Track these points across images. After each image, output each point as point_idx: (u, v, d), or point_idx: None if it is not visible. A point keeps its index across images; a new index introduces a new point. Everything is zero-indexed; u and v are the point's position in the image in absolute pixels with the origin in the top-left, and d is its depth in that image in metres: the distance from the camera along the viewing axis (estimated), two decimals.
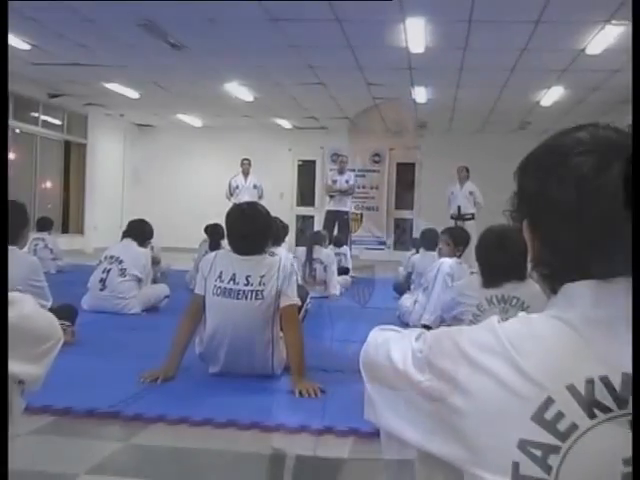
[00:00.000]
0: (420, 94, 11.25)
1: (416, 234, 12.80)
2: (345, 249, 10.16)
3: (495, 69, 9.48)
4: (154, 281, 6.68)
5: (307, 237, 8.31)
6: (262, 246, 3.62)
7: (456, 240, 5.46)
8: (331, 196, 11.55)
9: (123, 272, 5.83)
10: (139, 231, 6.18)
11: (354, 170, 15.16)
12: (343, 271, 9.13)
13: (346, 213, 11.46)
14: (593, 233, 0.89)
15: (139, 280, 5.91)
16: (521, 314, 0.95)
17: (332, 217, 11.42)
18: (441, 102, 11.88)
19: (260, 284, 3.49)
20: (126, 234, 6.23)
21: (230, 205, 4.15)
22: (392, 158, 15.49)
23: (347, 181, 11.55)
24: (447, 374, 0.91)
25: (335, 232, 10.93)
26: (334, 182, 11.52)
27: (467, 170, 11.64)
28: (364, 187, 15.42)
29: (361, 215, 15.44)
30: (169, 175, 15.95)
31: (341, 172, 11.68)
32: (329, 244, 9.36)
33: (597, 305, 0.89)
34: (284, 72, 10.13)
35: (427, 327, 4.99)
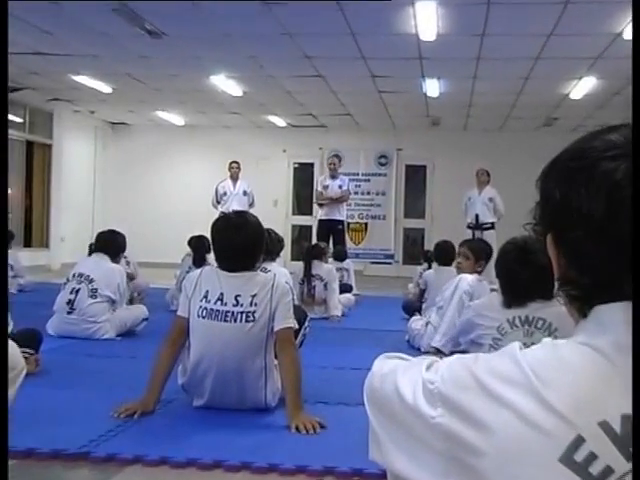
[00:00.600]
0: (432, 87, 11.31)
1: (428, 246, 12.86)
2: (348, 264, 10.20)
3: (517, 58, 9.52)
4: (130, 301, 6.70)
5: (305, 250, 8.33)
6: (253, 261, 3.64)
7: (477, 254, 5.47)
8: (321, 204, 11.62)
9: (94, 292, 5.81)
10: (110, 244, 6.15)
11: (357, 174, 15.33)
12: (345, 289, 9.14)
13: (340, 222, 11.53)
14: (627, 248, 0.88)
15: (112, 301, 5.91)
16: (546, 340, 0.96)
17: (325, 227, 11.49)
18: (456, 96, 11.94)
19: (251, 305, 3.49)
20: (96, 248, 6.20)
21: (217, 214, 4.17)
22: (400, 160, 15.55)
23: (340, 186, 11.60)
24: (462, 408, 0.91)
25: (331, 244, 10.97)
26: (325, 188, 11.58)
27: (487, 173, 11.68)
28: (369, 193, 15.49)
29: (365, 225, 15.52)
30: (147, 181, 15.99)
31: (333, 176, 11.75)
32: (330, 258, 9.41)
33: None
34: (277, 63, 10.18)
35: (439, 351, 5.01)
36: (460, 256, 5.57)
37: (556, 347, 0.92)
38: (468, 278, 5.22)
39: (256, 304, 3.49)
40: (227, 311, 3.49)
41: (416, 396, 0.96)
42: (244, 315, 3.49)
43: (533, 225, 1.03)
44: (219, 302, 3.50)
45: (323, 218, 11.61)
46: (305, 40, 8.97)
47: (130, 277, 6.84)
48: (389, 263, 15.43)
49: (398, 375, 1.02)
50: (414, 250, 15.37)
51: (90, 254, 6.24)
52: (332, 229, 11.39)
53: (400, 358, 1.12)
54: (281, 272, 6.07)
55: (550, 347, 0.93)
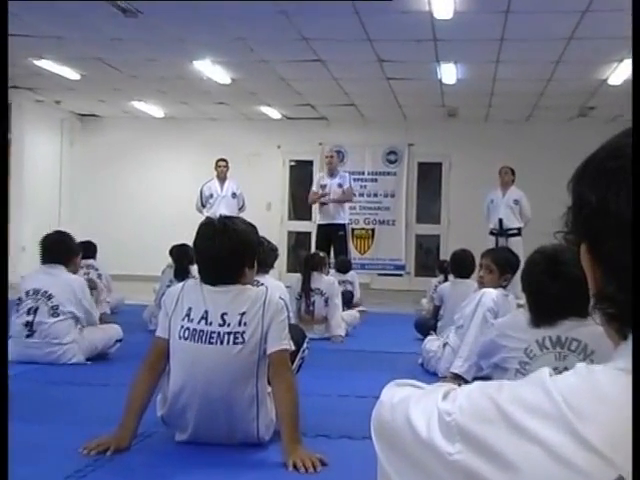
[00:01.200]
0: (448, 73, 11.34)
1: (445, 255, 12.85)
2: (352, 276, 10.22)
3: (547, 38, 9.53)
4: (102, 319, 6.68)
5: (303, 261, 8.34)
6: (240, 273, 3.64)
7: (501, 265, 5.48)
8: (322, 204, 11.64)
9: (55, 310, 5.74)
10: (61, 249, 5.94)
11: (363, 173, 15.35)
12: (349, 305, 9.14)
13: (342, 227, 11.55)
14: None
15: (77, 318, 5.85)
16: (581, 365, 0.95)
17: (324, 234, 11.52)
18: (476, 83, 11.97)
19: (240, 324, 3.49)
20: (44, 257, 5.94)
21: (202, 220, 4.17)
22: (412, 156, 15.60)
23: (340, 185, 11.63)
24: (484, 444, 0.91)
25: (331, 253, 10.98)
26: (323, 187, 11.61)
27: (512, 172, 11.70)
28: (376, 195, 15.53)
29: (372, 231, 15.55)
30: (121, 181, 16.00)
31: (332, 174, 11.78)
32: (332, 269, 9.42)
33: None
34: (271, 46, 10.20)
35: (459, 377, 5.01)
36: (482, 268, 5.57)
37: (592, 374, 0.92)
38: (492, 293, 5.23)
39: (246, 323, 3.50)
40: (212, 332, 3.49)
41: (431, 429, 0.96)
42: (232, 336, 3.49)
43: (565, 233, 1.03)
44: (203, 321, 3.50)
45: (322, 223, 11.64)
46: (302, 20, 8.98)
47: (91, 286, 6.65)
48: (399, 275, 15.46)
49: (410, 405, 1.02)
50: (428, 260, 15.39)
51: (43, 264, 5.93)
52: (332, 235, 11.41)
53: (413, 386, 1.12)
54: (275, 286, 6.08)
55: (585, 373, 0.92)
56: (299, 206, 16.01)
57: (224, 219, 3.77)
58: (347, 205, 11.83)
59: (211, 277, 3.61)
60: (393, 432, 1.02)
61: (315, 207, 12.69)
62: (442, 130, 15.14)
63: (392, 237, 15.47)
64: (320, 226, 11.69)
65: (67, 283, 5.85)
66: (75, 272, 6.12)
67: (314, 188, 11.77)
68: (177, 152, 15.94)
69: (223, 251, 3.57)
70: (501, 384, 0.96)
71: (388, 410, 1.05)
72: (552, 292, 3.10)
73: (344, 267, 10.21)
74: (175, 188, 15.42)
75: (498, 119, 14.81)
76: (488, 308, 5.14)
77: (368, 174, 15.53)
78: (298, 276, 8.17)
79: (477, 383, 1.01)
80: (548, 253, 3.15)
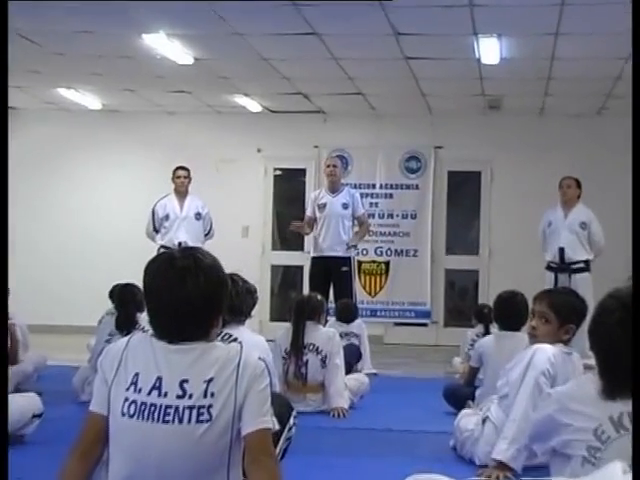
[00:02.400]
0: (489, 50, 11.39)
1: (485, 299, 12.80)
2: (359, 326, 10.25)
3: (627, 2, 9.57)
4: (16, 388, 6.66)
5: (292, 306, 8.33)
6: (209, 326, 3.63)
7: (563, 313, 5.48)
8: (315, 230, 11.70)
9: None
10: None
11: (373, 186, 15.37)
12: (354, 365, 9.11)
13: (346, 261, 11.61)
14: None
15: None
16: None
17: (322, 269, 11.57)
18: (527, 63, 12.03)
19: (206, 395, 3.46)
20: None
21: (155, 250, 4.18)
22: (440, 163, 15.67)
23: (346, 206, 11.71)
24: None
25: (330, 296, 10.99)
26: (321, 208, 11.65)
27: (578, 184, 11.71)
28: (391, 215, 15.58)
29: (386, 265, 15.57)
30: (44, 194, 15.97)
31: (334, 189, 11.84)
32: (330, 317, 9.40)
33: None
34: (247, 14, 10.24)
35: (503, 466, 5.00)
36: (536, 316, 5.56)
37: None
38: (548, 351, 5.23)
39: (213, 394, 3.46)
40: (168, 406, 3.46)
41: None
42: (195, 412, 3.45)
43: None
44: (155, 392, 3.47)
45: (319, 255, 11.65)
46: None
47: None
48: (423, 325, 15.47)
49: None
50: (462, 305, 15.38)
51: None
52: (333, 272, 11.46)
53: None
54: (253, 341, 6.06)
55: None
56: (287, 231, 15.99)
57: (187, 251, 3.76)
58: (351, 229, 11.83)
59: (168, 331, 3.57)
60: None
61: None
62: (481, 128, 15.21)
63: (413, 273, 15.47)
64: (316, 259, 11.71)
65: None
66: None
67: (308, 211, 11.77)
68: (120, 158, 15.96)
69: (184, 296, 3.55)
70: None
71: None
72: (631, 351, 3.09)
73: (348, 314, 10.21)
74: (117, 207, 15.43)
75: (558, 112, 14.84)
76: (542, 371, 5.14)
77: (381, 187, 15.57)
78: (286, 327, 8.17)
79: None
80: (624, 299, 3.15)
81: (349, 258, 11.59)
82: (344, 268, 11.45)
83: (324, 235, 11.59)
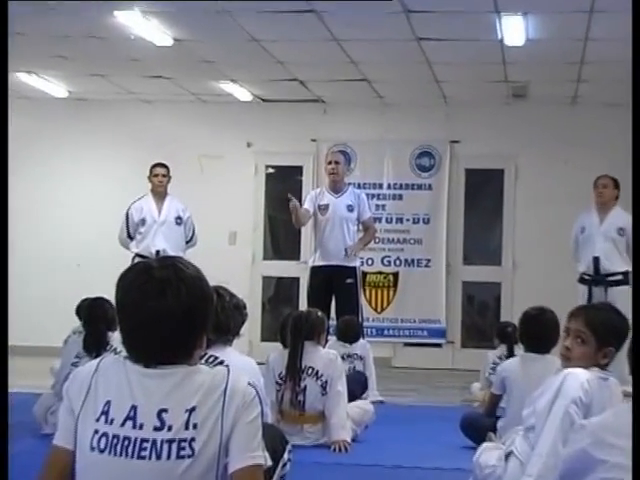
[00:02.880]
0: (513, 30, 11.40)
1: (508, 315, 12.80)
2: (363, 347, 10.29)
3: None
4: None
5: (288, 324, 8.31)
6: (191, 347, 3.62)
7: (601, 332, 5.45)
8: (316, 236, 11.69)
9: None
10: None
11: (380, 186, 15.35)
12: (358, 391, 9.10)
13: (350, 272, 11.63)
14: None
15: None
16: None
17: (322, 281, 11.58)
18: (556, 45, 12.03)
19: (188, 427, 3.45)
20: None
21: (129, 260, 4.17)
22: (457, 160, 15.69)
23: (351, 208, 11.72)
24: None
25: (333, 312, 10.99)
26: (323, 210, 11.65)
27: (615, 184, 11.70)
28: (401, 220, 15.61)
29: (394, 277, 15.59)
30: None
31: (336, 189, 11.88)
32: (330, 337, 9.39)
33: None
34: None
35: None
36: (570, 335, 5.53)
37: None
38: (581, 376, 5.19)
39: (196, 426, 3.45)
40: (145, 439, 3.45)
41: None
42: (175, 446, 3.44)
43: None
44: (130, 423, 3.46)
45: (320, 264, 11.66)
46: None
47: None
48: (438, 345, 15.48)
49: None
50: (482, 323, 15.39)
51: None
52: (336, 284, 11.47)
53: None
54: (242, 364, 6.00)
55: None
56: (281, 237, 16.00)
57: (167, 260, 3.75)
58: (356, 235, 11.82)
59: (144, 352, 3.56)
60: None
61: (307, 238, 12.66)
62: (503, 119, 15.24)
63: (426, 286, 15.48)
64: (317, 269, 11.70)
65: None
66: None
67: (305, 205, 11.70)
68: (88, 153, 15.99)
69: (163, 313, 3.54)
70: None
71: None
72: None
73: (351, 333, 10.22)
74: (86, 210, 15.43)
75: (592, 102, 14.84)
76: (574, 399, 5.10)
77: (388, 187, 15.59)
78: (280, 350, 8.16)
79: None
80: None
81: (354, 268, 11.57)
82: (349, 280, 11.43)
83: (326, 241, 11.58)
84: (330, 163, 11.92)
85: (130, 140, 15.37)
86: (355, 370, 9.71)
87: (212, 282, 3.71)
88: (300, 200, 12.11)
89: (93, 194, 15.47)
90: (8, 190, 2.85)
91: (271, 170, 16.25)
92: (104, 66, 13.85)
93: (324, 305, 10.34)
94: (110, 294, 3.90)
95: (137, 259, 10.24)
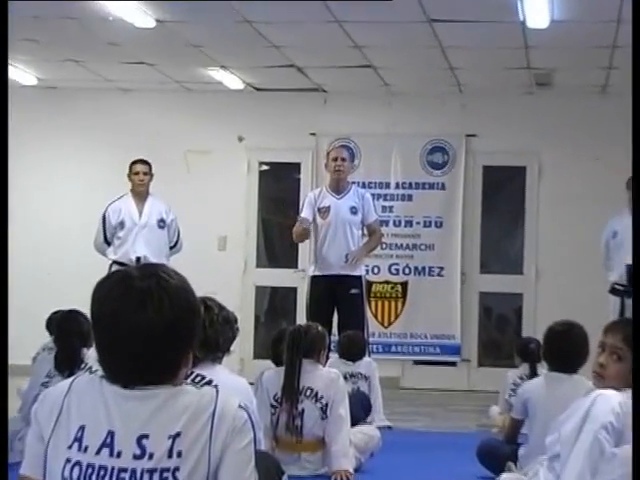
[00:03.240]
0: (536, 10, 11.40)
1: (531, 330, 12.82)
2: (368, 365, 10.33)
3: None
4: None
5: (282, 340, 8.29)
6: (175, 366, 3.58)
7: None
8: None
9: None
10: None
11: (387, 185, 15.37)
12: (362, 415, 9.10)
13: (355, 282, 11.69)
14: None
15: None
16: None
17: (323, 292, 11.63)
18: (585, 28, 12.03)
19: (171, 455, 3.42)
20: None
21: (106, 268, 4.14)
22: (474, 156, 15.76)
23: (354, 210, 11.69)
24: None
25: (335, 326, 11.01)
26: (323, 212, 11.60)
27: None
28: (410, 223, 15.70)
29: (403, 287, 15.63)
30: None
31: (338, 189, 11.90)
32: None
33: None
34: None
35: None
36: (606, 351, 5.49)
37: None
38: (612, 399, 5.15)
39: (180, 454, 3.43)
40: (122, 469, 3.42)
41: None
42: (157, 476, 3.41)
43: None
44: (106, 451, 3.43)
45: (321, 273, 11.65)
46: None
47: None
48: (452, 364, 15.55)
49: None
50: (502, 339, 15.43)
51: None
52: (339, 296, 11.49)
53: None
54: (232, 385, 6.09)
55: None
56: (277, 243, 16.04)
57: (148, 269, 3.71)
58: (361, 240, 11.83)
59: (122, 371, 3.53)
60: None
61: (305, 244, 12.68)
62: (525, 111, 15.32)
63: (438, 297, 15.57)
64: (318, 279, 11.74)
65: None
66: None
67: (305, 213, 11.71)
68: (60, 148, 16.07)
69: (143, 327, 3.51)
70: None
71: None
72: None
73: (355, 350, 10.27)
74: (57, 212, 15.49)
75: (624, 91, 14.80)
76: (604, 424, 5.05)
77: (396, 187, 15.66)
78: (274, 369, 8.19)
79: None
80: None
81: (359, 278, 11.64)
82: (353, 290, 11.48)
83: (327, 248, 11.64)
84: (336, 159, 11.91)
85: (107, 134, 15.42)
86: (359, 391, 9.79)
87: (199, 292, 3.68)
88: (297, 203, 12.14)
89: (64, 194, 15.54)
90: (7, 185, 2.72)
91: (265, 167, 16.38)
92: (78, 50, 13.90)
93: (325, 319, 10.39)
94: (85, 306, 3.86)
95: (115, 267, 10.27)
